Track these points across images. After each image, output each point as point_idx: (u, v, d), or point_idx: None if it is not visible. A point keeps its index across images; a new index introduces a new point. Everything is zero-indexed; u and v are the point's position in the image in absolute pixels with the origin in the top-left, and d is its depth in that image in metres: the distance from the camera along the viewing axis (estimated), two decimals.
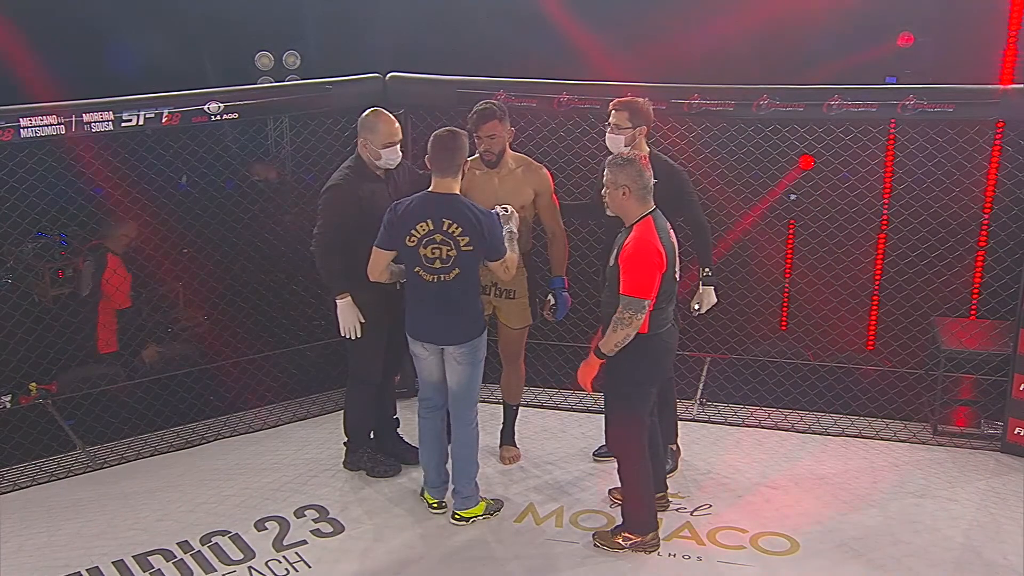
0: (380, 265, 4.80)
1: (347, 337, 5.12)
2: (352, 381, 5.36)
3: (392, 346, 5.29)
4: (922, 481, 5.39)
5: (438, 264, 4.65)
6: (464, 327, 4.78)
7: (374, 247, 4.76)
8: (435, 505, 5.05)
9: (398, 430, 5.62)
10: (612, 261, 4.52)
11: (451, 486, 5.03)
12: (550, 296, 5.35)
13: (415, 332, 4.83)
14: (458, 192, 4.72)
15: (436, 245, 4.63)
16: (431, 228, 4.63)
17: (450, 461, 5.02)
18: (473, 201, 5.00)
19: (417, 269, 4.69)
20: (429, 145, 4.70)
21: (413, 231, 4.63)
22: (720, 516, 5.05)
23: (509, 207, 4.88)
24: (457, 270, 4.66)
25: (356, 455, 5.46)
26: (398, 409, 5.65)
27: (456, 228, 4.62)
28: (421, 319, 4.80)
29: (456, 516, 5.00)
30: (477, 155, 5.15)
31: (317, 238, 5.03)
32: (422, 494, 5.14)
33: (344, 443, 5.50)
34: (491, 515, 5.05)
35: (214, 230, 7.01)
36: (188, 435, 5.92)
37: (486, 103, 5.13)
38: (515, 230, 4.85)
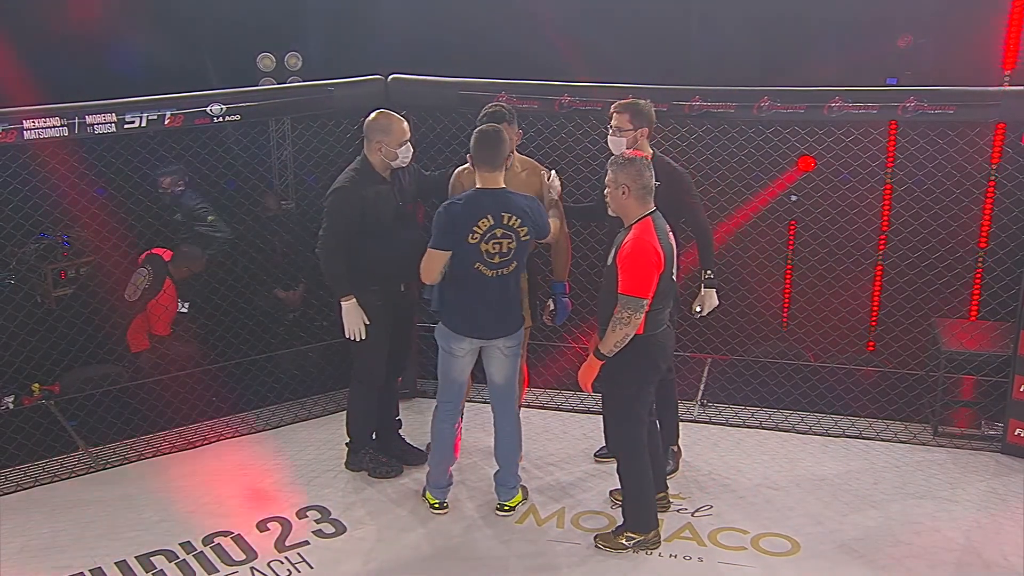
0: (437, 267, 4.78)
1: (351, 339, 5.13)
2: (355, 383, 5.37)
3: (396, 348, 5.30)
4: (923, 482, 5.40)
5: (498, 259, 4.70)
6: (515, 317, 4.88)
7: (429, 249, 4.75)
8: (436, 505, 5.07)
9: (400, 431, 5.63)
10: (610, 260, 4.54)
11: (450, 474, 5.10)
12: (550, 301, 5.36)
13: (465, 329, 4.81)
14: (504, 185, 4.76)
15: (497, 240, 4.67)
16: (492, 223, 4.66)
17: (496, 456, 5.07)
18: None
19: (478, 265, 4.70)
20: (474, 142, 4.73)
21: (475, 228, 4.65)
22: (721, 517, 5.06)
23: (554, 173, 5.08)
24: (515, 262, 4.74)
25: (358, 456, 5.47)
26: (400, 410, 5.66)
27: (515, 220, 4.68)
28: (475, 316, 4.79)
29: (506, 507, 5.06)
30: None
31: (322, 240, 5.04)
32: (423, 495, 5.15)
33: (346, 444, 5.51)
34: (525, 499, 5.14)
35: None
36: (190, 436, 5.92)
37: (495, 105, 5.15)
38: (555, 197, 5.05)
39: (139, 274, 6.59)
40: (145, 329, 6.66)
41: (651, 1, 7.78)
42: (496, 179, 4.72)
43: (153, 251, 6.74)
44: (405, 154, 5.07)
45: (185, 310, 6.81)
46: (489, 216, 4.66)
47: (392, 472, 5.42)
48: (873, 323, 7.50)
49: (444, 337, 4.87)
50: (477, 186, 4.74)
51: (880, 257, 7.28)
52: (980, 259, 6.83)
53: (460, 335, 4.82)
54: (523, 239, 4.72)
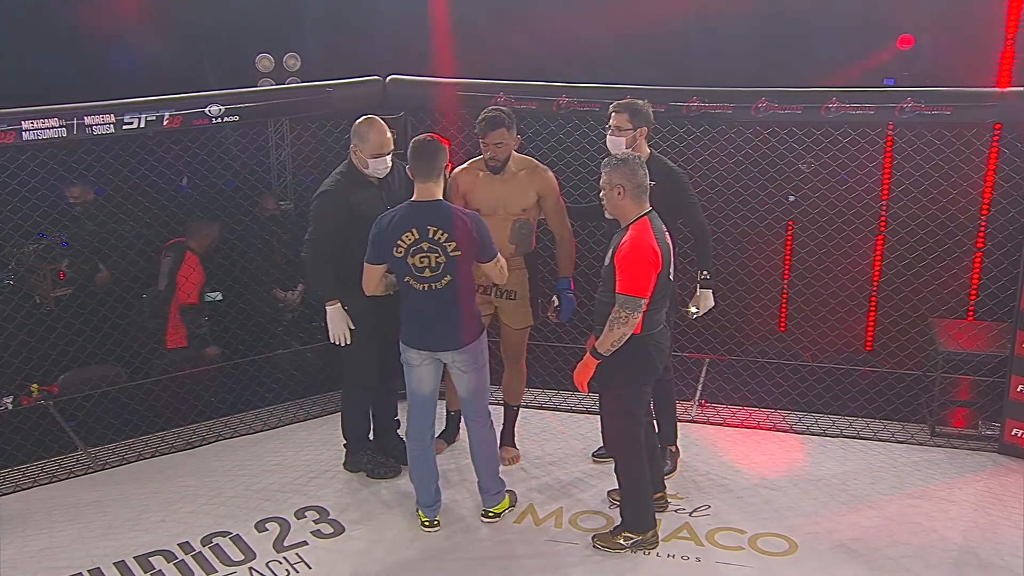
0: (373, 280, 4.77)
1: (336, 343, 5.12)
2: (347, 386, 5.38)
3: (389, 349, 5.30)
4: (920, 482, 5.41)
5: (428, 273, 4.62)
6: (460, 332, 4.74)
7: (365, 263, 4.73)
8: (427, 524, 4.97)
9: (399, 431, 5.64)
10: (608, 260, 4.54)
11: (436, 490, 5.01)
12: (555, 297, 5.36)
13: (409, 340, 4.79)
14: (441, 198, 4.68)
15: (424, 254, 4.60)
16: (417, 237, 4.60)
17: (473, 465, 5.02)
18: (477, 203, 5.02)
19: (408, 279, 4.66)
20: (409, 153, 4.67)
21: (399, 242, 4.61)
22: (719, 517, 5.07)
23: None
24: (448, 277, 4.63)
25: (356, 457, 5.48)
26: (398, 410, 5.66)
27: (442, 234, 4.59)
28: (416, 327, 4.76)
29: (490, 514, 5.02)
30: (482, 157, 5.16)
31: (308, 244, 5.03)
32: (416, 510, 5.06)
33: (344, 444, 5.52)
34: (513, 506, 5.10)
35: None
36: (189, 436, 5.94)
37: (494, 110, 5.11)
38: None
39: (164, 264, 6.66)
40: (177, 315, 6.71)
41: (649, 1, 7.78)
42: (430, 191, 4.64)
43: (171, 242, 6.79)
44: (377, 166, 5.00)
45: (219, 298, 6.85)
46: (414, 230, 4.59)
47: (390, 473, 5.42)
48: (871, 323, 7.51)
49: (401, 348, 4.85)
50: (412, 198, 4.68)
51: (883, 217, 7.27)
52: (982, 222, 6.78)
53: (408, 346, 4.80)
54: (452, 254, 4.61)
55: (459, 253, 4.62)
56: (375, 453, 5.48)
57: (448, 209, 4.67)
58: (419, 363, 4.80)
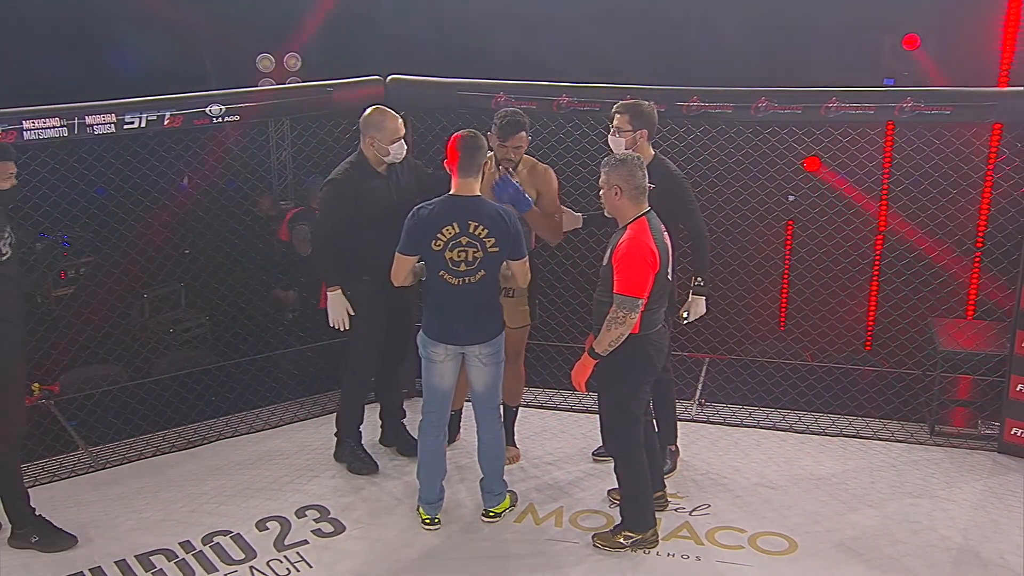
0: (404, 271, 4.77)
1: (335, 328, 5.19)
2: (348, 374, 5.44)
3: (393, 337, 5.33)
4: (920, 481, 5.42)
5: (463, 267, 4.64)
6: (489, 327, 4.79)
7: (397, 253, 4.73)
8: (428, 521, 4.98)
9: (403, 420, 5.69)
10: (606, 260, 4.55)
11: (440, 488, 5.02)
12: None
13: (437, 335, 4.78)
14: (480, 193, 4.71)
15: (462, 248, 4.63)
16: (457, 231, 4.62)
17: (480, 462, 5.01)
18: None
19: (442, 273, 4.67)
20: (449, 147, 4.69)
21: (439, 235, 4.62)
22: (719, 516, 5.08)
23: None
24: (483, 272, 4.66)
25: (341, 447, 5.51)
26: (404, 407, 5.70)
27: (482, 230, 4.62)
28: (445, 322, 4.76)
29: (491, 513, 5.02)
30: (491, 156, 5.16)
31: (315, 230, 5.13)
32: (417, 508, 5.06)
33: (335, 433, 5.54)
34: (514, 506, 5.11)
35: (215, 231, 7.05)
36: (190, 435, 5.94)
37: (514, 112, 5.09)
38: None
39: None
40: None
41: (650, 1, 7.80)
42: (470, 186, 4.66)
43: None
44: (397, 151, 5.11)
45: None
46: (455, 224, 4.61)
47: (366, 470, 5.43)
48: (871, 323, 7.53)
49: (422, 343, 4.84)
50: (451, 192, 4.70)
51: (883, 217, 7.29)
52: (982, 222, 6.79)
53: (434, 340, 4.79)
54: (490, 250, 4.64)
55: (497, 250, 4.65)
56: (357, 447, 5.50)
57: (488, 205, 4.69)
58: (442, 359, 4.81)
